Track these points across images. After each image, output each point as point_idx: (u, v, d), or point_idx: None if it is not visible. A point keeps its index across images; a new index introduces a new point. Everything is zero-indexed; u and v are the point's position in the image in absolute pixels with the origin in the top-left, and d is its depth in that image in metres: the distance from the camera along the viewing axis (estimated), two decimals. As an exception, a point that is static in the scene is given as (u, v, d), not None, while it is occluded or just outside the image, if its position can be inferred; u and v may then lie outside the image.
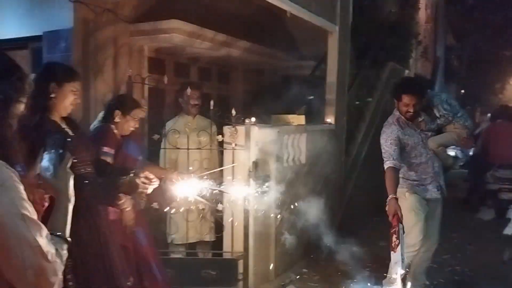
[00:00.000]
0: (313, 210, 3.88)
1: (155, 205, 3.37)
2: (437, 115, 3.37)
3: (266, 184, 3.73)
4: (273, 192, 3.93)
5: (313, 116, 5.33)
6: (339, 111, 5.49)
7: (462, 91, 17.13)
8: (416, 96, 3.20)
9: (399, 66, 8.28)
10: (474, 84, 18.77)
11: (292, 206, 3.96)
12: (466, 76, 17.61)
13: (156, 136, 3.71)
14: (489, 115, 8.79)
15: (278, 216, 3.93)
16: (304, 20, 4.81)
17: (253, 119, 3.70)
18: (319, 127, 5.14)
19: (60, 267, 1.12)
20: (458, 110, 3.46)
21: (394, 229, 2.88)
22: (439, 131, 3.47)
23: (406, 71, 8.86)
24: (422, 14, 11.44)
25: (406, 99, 3.22)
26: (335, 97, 5.40)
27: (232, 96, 7.03)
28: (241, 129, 3.66)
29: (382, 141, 3.27)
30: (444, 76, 14.63)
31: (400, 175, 3.25)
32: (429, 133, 3.39)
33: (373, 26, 7.41)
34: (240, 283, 3.71)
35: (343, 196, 5.77)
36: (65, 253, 1.19)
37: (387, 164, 3.15)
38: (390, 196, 2.97)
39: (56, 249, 1.13)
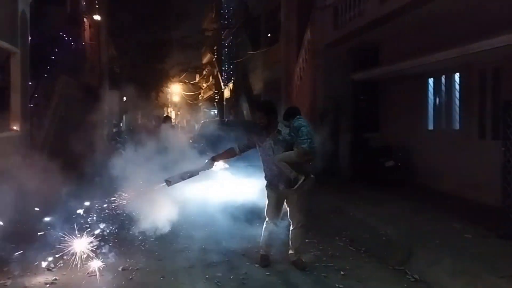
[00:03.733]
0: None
1: None
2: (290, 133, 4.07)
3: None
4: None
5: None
6: (23, 119, 6.48)
7: (124, 98, 19.84)
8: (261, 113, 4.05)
9: (71, 78, 9.69)
10: (134, 91, 22.20)
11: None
12: (127, 85, 20.63)
13: None
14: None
15: None
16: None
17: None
18: (6, 134, 6.00)
19: None
20: (304, 135, 3.97)
21: None
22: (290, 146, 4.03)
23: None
24: (87, 33, 13.04)
25: (257, 114, 4.15)
26: (19, 105, 6.35)
27: None
28: None
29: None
30: (108, 85, 16.76)
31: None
32: (279, 145, 4.03)
33: (45, 43, 8.54)
34: None
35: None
36: None
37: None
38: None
39: None
